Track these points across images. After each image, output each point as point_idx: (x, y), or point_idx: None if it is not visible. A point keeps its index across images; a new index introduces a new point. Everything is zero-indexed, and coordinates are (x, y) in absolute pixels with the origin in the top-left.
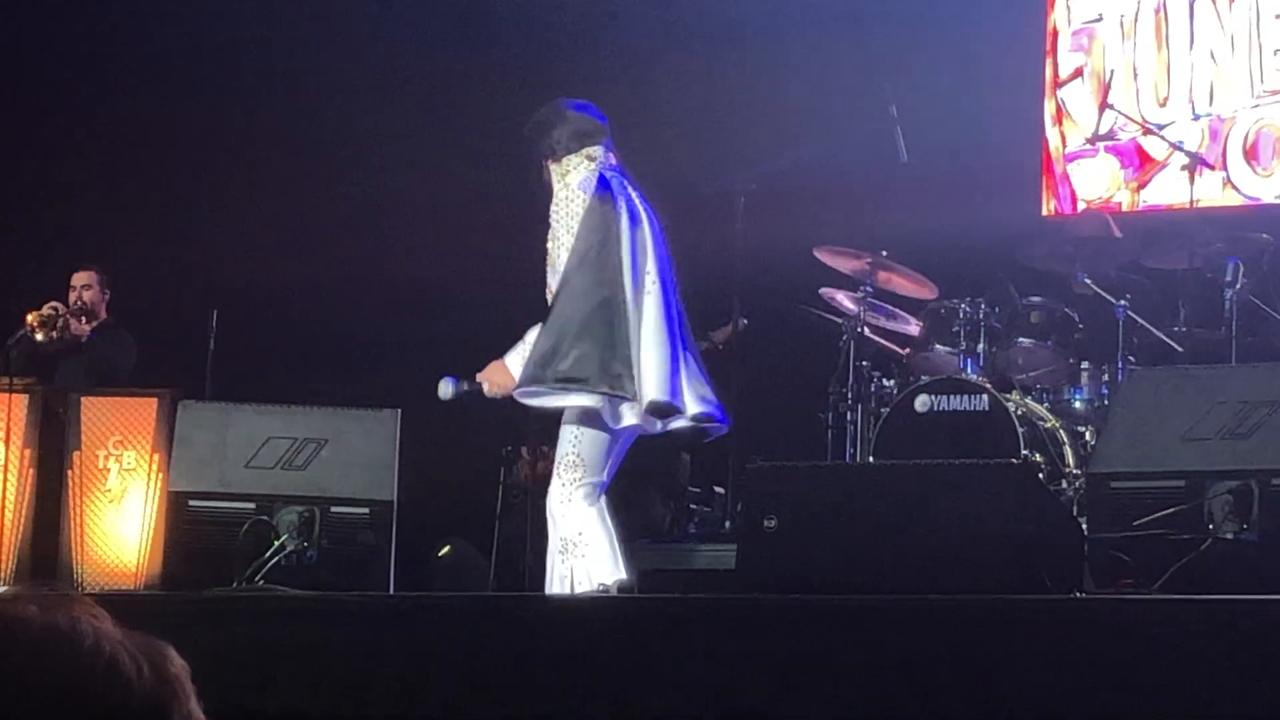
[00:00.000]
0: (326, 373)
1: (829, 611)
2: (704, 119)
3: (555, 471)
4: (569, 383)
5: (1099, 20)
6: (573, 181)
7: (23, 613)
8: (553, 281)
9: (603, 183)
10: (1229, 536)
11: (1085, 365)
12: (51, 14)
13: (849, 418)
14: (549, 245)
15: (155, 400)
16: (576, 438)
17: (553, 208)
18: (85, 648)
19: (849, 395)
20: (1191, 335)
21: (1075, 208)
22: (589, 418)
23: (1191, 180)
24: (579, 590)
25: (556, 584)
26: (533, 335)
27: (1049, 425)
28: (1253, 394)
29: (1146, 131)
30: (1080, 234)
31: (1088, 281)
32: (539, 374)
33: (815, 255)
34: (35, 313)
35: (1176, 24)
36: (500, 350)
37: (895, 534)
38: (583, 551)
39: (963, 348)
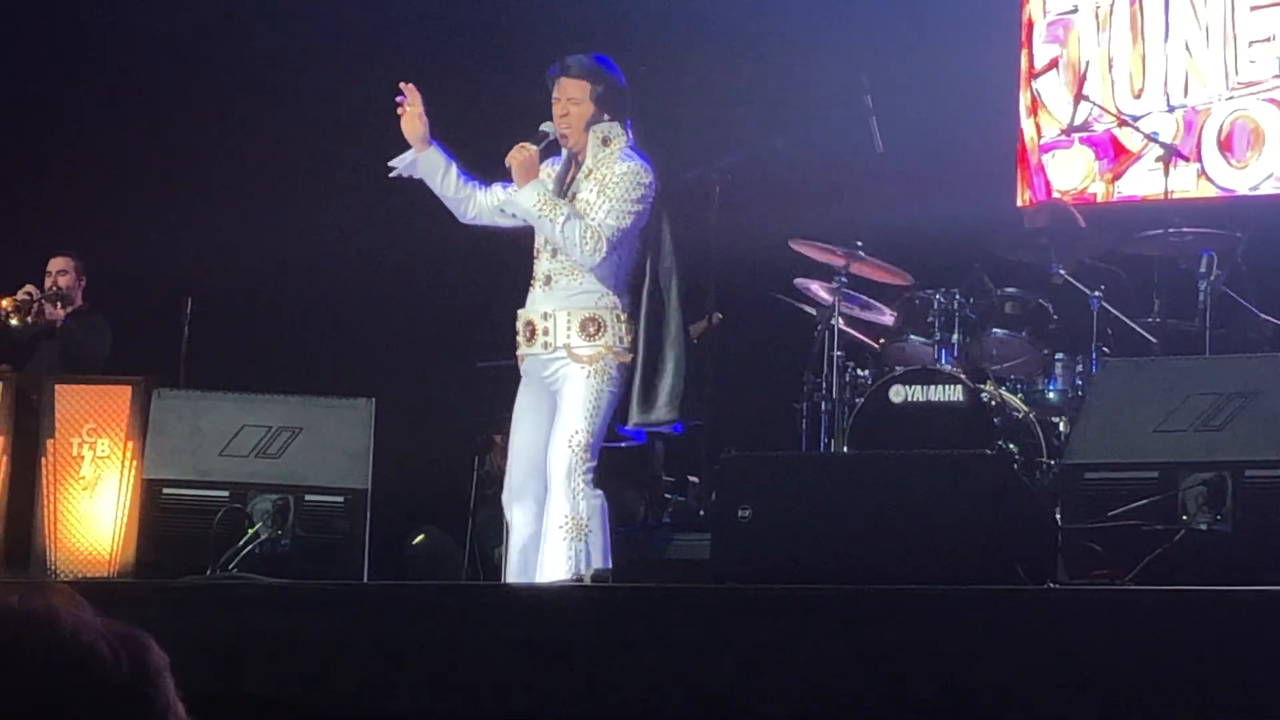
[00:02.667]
0: (301, 361)
1: (802, 601)
2: (679, 109)
3: (568, 445)
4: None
5: (1074, 11)
6: (617, 147)
7: (1, 601)
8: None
9: (645, 159)
10: (1202, 528)
11: (1059, 356)
12: (23, 3)
13: (823, 408)
14: (583, 192)
15: (129, 388)
16: (590, 418)
17: (602, 165)
18: (64, 636)
19: (823, 385)
20: (1165, 326)
21: (1050, 199)
22: (606, 400)
23: (1166, 172)
24: (581, 573)
25: (558, 564)
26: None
27: (1023, 416)
28: (1226, 386)
29: (1121, 123)
30: (1035, 226)
31: (1062, 272)
32: (674, 410)
33: (791, 247)
34: (10, 297)
35: (1151, 15)
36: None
37: (869, 524)
38: (588, 537)
39: (937, 338)
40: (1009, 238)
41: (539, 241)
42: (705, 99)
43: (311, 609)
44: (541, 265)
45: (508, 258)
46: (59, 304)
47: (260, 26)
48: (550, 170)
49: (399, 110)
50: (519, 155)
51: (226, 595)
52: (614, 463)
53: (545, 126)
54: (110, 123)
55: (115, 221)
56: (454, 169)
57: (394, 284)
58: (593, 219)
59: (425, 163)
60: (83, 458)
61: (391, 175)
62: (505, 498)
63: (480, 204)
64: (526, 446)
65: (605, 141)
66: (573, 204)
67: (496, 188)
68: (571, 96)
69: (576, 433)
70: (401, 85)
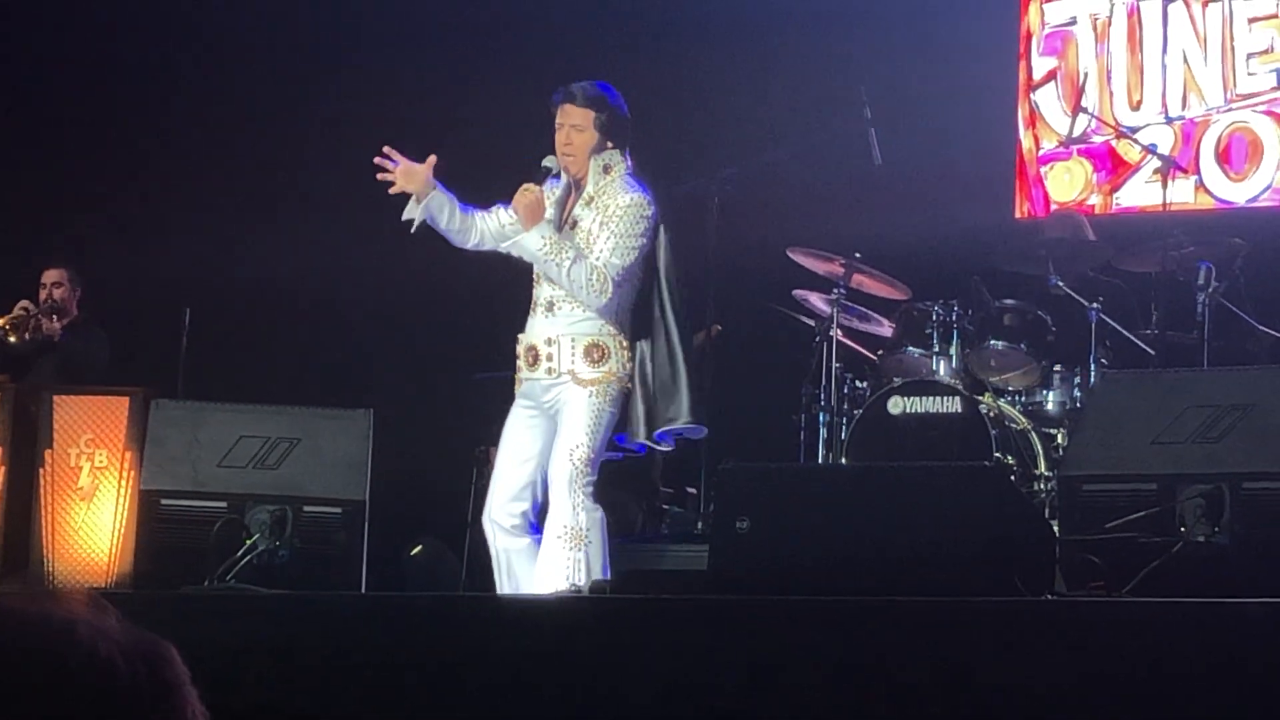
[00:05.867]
0: (299, 372)
1: (800, 613)
2: (678, 121)
3: (569, 459)
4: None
5: (1072, 23)
6: (617, 175)
7: (20, 607)
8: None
9: (645, 188)
10: (1200, 540)
11: (1057, 367)
12: (21, 12)
13: (822, 419)
14: (584, 220)
15: (127, 399)
16: (593, 434)
17: (603, 194)
18: (80, 649)
19: (822, 397)
20: (1163, 338)
21: (1048, 211)
22: (606, 419)
23: (1164, 184)
24: (577, 582)
25: (556, 571)
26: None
27: (1021, 427)
28: (1224, 398)
29: (1119, 135)
30: (1053, 235)
31: (1060, 284)
32: (698, 412)
33: (789, 256)
34: (6, 316)
35: (1150, 27)
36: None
37: (867, 536)
38: (587, 547)
39: (935, 349)
40: (1008, 249)
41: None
42: (704, 111)
43: (309, 620)
44: (543, 291)
45: (507, 271)
46: (55, 316)
47: (258, 37)
48: (551, 193)
49: (387, 175)
50: (524, 198)
51: (224, 606)
52: (612, 474)
53: (548, 162)
54: (107, 133)
55: (113, 233)
56: (455, 203)
57: (392, 296)
58: (597, 258)
59: (434, 203)
60: (81, 468)
61: (414, 230)
62: (485, 517)
63: (483, 231)
64: (515, 467)
65: (606, 169)
66: (574, 231)
67: (498, 210)
68: (575, 123)
69: (578, 446)
70: (385, 150)
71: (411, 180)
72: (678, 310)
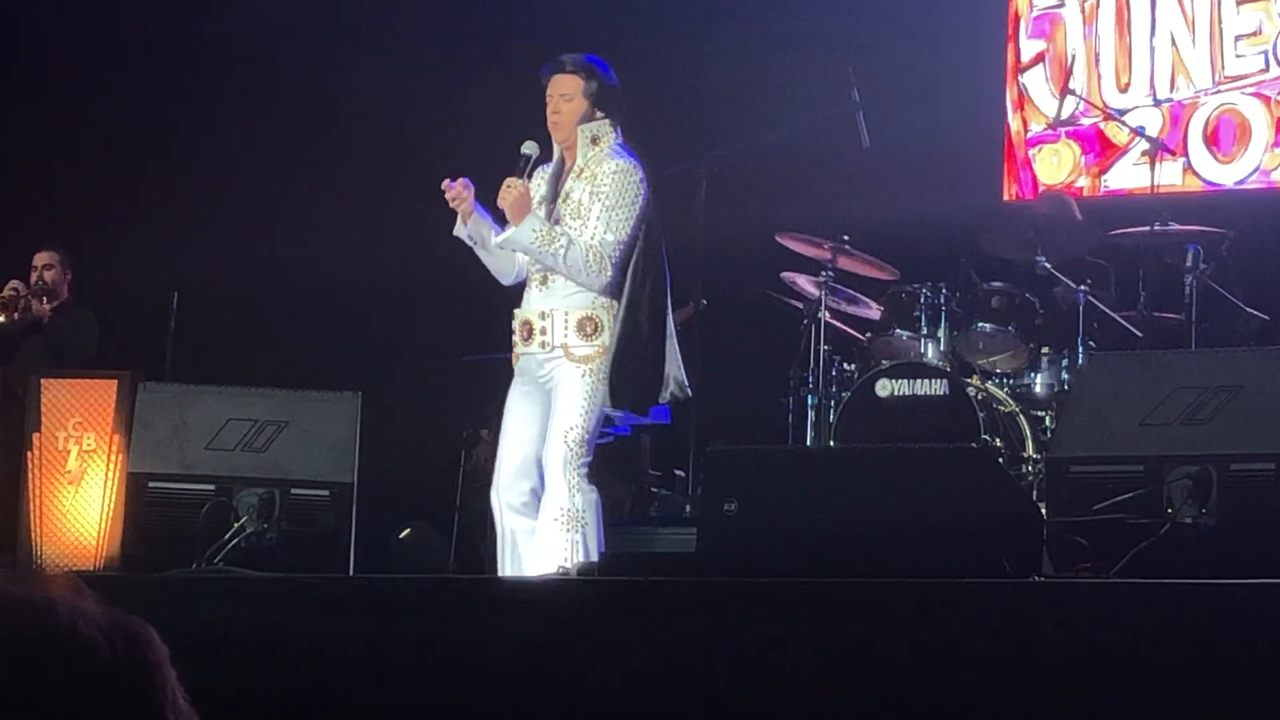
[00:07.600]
0: (287, 354)
1: (788, 595)
2: (666, 102)
3: (563, 440)
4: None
5: (1061, 5)
6: (606, 145)
7: (2, 591)
8: (572, 225)
9: (634, 156)
10: (1187, 521)
11: (1045, 350)
12: None
13: (810, 402)
14: (575, 192)
15: (115, 382)
16: (586, 414)
17: (593, 164)
18: (61, 629)
19: (810, 379)
20: (1151, 320)
21: (1036, 193)
22: (600, 397)
23: (1152, 166)
24: (573, 564)
25: (553, 554)
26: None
27: (1008, 410)
28: (1211, 379)
29: (1107, 117)
30: (1041, 216)
31: (1047, 265)
32: (683, 384)
33: (778, 241)
34: None
35: (1138, 9)
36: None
37: (855, 518)
38: (584, 529)
39: (923, 332)
40: (996, 232)
41: None
42: (692, 93)
43: (297, 603)
44: (537, 265)
45: None
46: (45, 299)
47: (245, 24)
48: (543, 171)
49: (456, 200)
50: (509, 194)
51: (212, 589)
52: (600, 457)
53: (526, 149)
54: (96, 117)
55: (102, 216)
56: (494, 229)
57: (381, 278)
58: (591, 236)
59: (480, 227)
60: (69, 451)
61: (488, 248)
62: (494, 495)
63: (519, 258)
64: (518, 445)
65: (594, 140)
66: (566, 203)
67: None
68: (564, 93)
69: (572, 428)
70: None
71: (464, 202)
72: (658, 287)
